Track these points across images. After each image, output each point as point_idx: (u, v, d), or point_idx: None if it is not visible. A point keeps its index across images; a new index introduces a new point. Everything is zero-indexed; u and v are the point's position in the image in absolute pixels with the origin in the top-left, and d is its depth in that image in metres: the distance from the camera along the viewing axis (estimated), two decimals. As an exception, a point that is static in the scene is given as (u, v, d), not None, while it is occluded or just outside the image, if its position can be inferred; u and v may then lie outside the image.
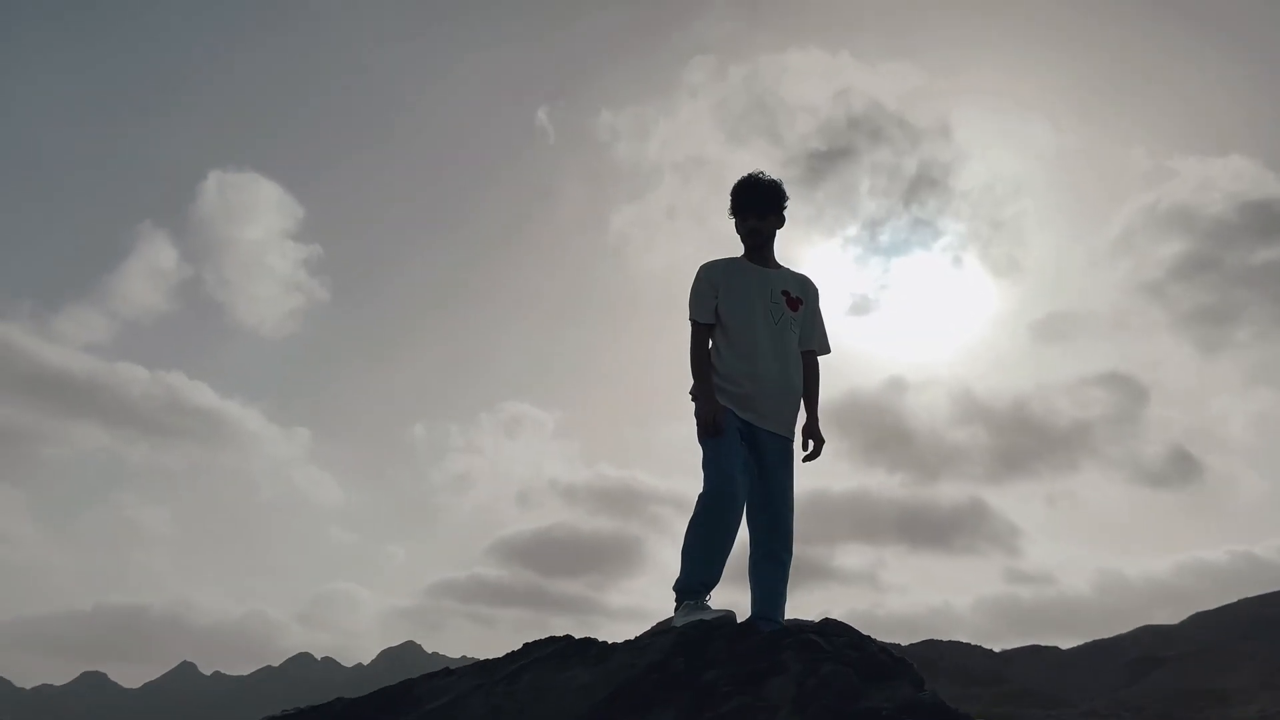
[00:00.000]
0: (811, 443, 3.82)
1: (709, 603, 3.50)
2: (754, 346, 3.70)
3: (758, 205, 3.78)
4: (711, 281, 3.77)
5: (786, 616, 3.73)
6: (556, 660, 3.39)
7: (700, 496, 3.57)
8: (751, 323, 3.72)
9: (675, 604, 3.51)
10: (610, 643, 3.41)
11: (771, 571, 3.67)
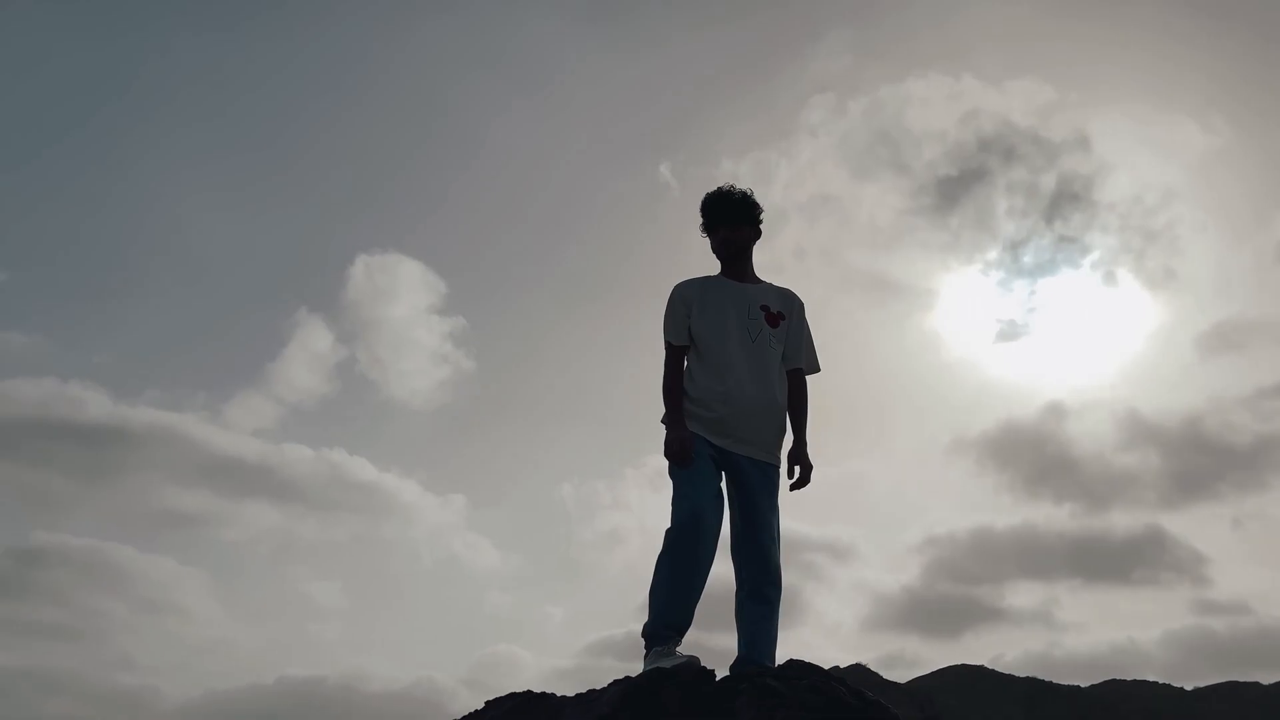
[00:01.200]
0: (799, 469, 3.54)
1: (679, 649, 3.26)
2: (727, 366, 3.44)
3: (727, 215, 3.58)
4: (685, 299, 3.54)
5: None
6: (513, 717, 3.23)
7: (666, 532, 3.33)
8: (724, 341, 3.47)
9: (644, 650, 3.27)
10: (565, 696, 3.23)
11: (758, 612, 3.38)
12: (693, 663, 3.15)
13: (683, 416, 3.44)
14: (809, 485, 3.54)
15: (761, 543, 3.41)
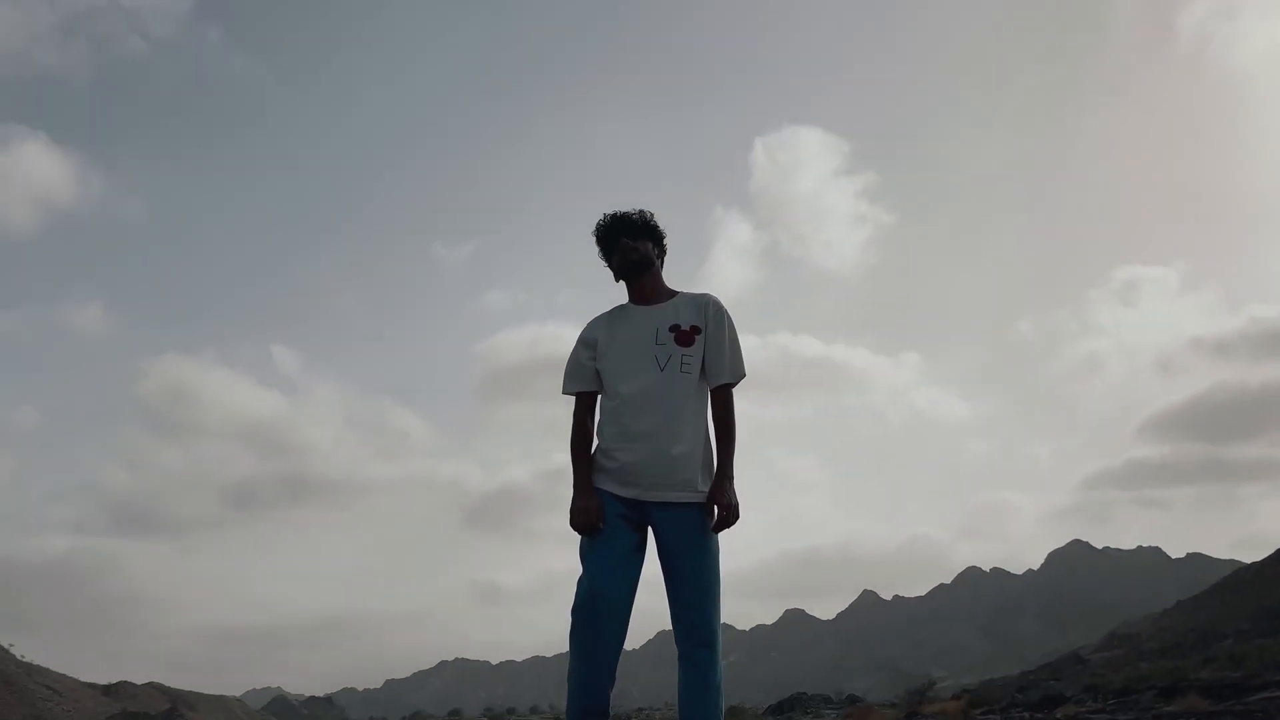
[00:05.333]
0: (717, 509, 3.09)
1: None
2: (630, 405, 3.15)
3: (628, 229, 3.27)
4: (587, 342, 3.28)
5: None
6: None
7: (571, 611, 3.07)
8: (628, 377, 3.18)
9: None
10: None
11: (689, 679, 3.06)
12: None
13: (587, 478, 3.16)
14: (733, 525, 3.11)
15: (689, 599, 3.10)
